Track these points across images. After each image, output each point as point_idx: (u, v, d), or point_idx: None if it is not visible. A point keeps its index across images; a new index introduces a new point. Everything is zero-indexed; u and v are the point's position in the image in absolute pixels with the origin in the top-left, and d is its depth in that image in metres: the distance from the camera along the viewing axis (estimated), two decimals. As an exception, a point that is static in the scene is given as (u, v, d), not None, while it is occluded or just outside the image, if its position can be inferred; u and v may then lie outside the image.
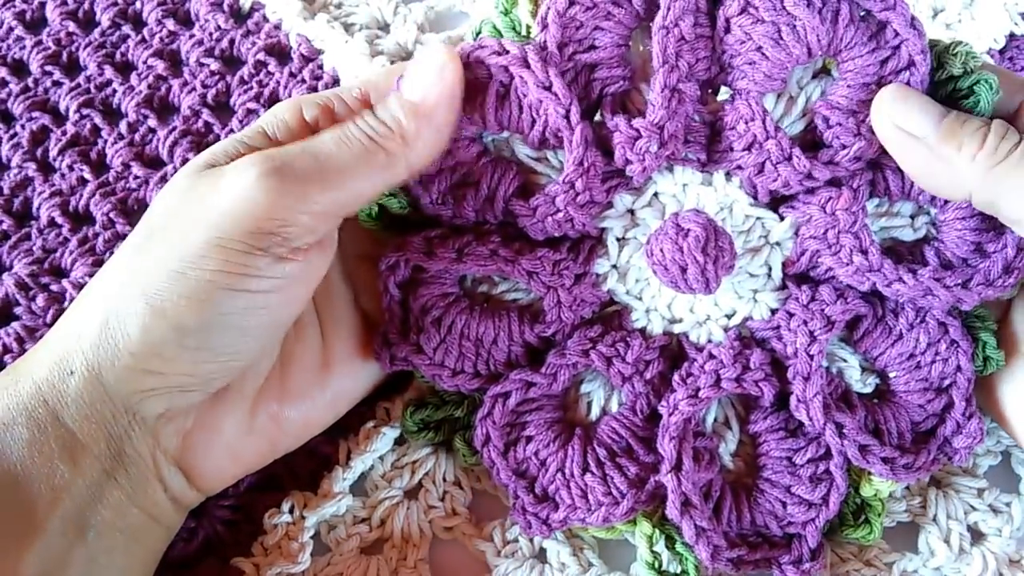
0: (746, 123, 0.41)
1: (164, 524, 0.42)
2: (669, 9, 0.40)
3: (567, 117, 0.40)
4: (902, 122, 0.40)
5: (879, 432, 0.44)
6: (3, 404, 0.38)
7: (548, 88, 0.40)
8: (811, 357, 0.43)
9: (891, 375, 0.45)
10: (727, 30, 0.41)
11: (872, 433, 0.44)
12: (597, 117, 0.43)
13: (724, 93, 0.44)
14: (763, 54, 0.40)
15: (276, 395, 0.43)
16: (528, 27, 0.42)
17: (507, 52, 0.40)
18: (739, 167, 0.42)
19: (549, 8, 0.40)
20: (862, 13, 0.40)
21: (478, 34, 0.43)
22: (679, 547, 0.44)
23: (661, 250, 0.42)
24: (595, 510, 0.43)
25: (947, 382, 0.44)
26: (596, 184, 0.42)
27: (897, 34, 0.40)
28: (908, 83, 0.41)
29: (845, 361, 0.45)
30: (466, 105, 0.41)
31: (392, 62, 0.57)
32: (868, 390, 0.45)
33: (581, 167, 0.41)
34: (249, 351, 0.40)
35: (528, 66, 0.40)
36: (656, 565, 0.44)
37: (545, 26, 0.40)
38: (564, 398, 0.47)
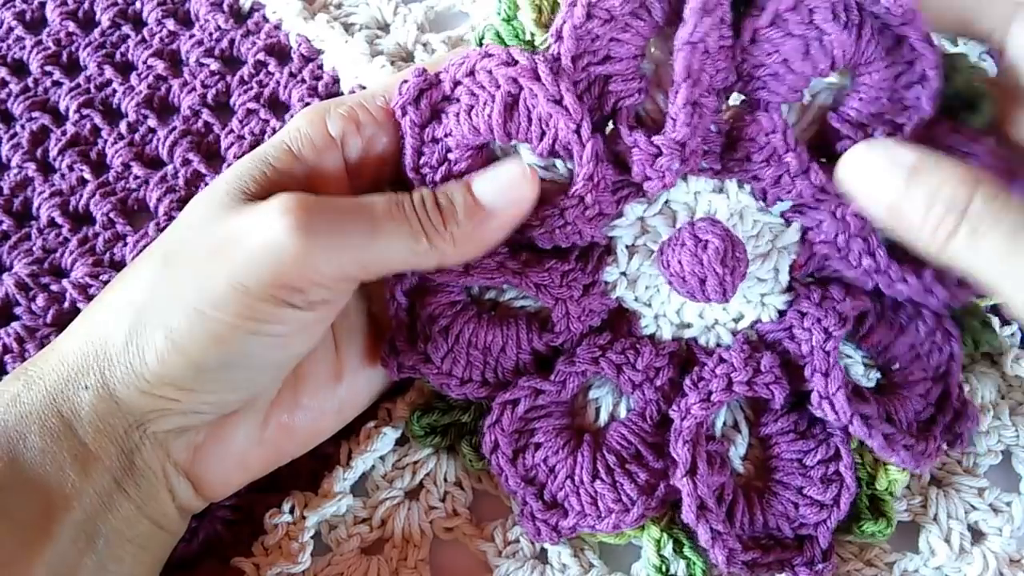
0: (767, 135, 0.41)
1: (170, 531, 0.42)
2: (697, 25, 0.38)
3: (578, 132, 0.40)
4: (860, 199, 0.39)
5: (892, 423, 0.44)
6: (16, 412, 0.38)
7: (559, 102, 0.39)
8: (827, 353, 0.43)
9: (894, 367, 0.45)
10: (753, 41, 0.40)
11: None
12: (609, 125, 0.42)
13: (733, 98, 0.43)
14: (789, 67, 0.40)
15: (287, 406, 0.43)
16: (532, 34, 0.41)
17: (516, 63, 0.39)
18: (756, 177, 0.42)
19: (565, 21, 0.39)
20: (879, 26, 0.40)
21: (481, 40, 0.43)
22: (687, 551, 0.44)
23: (680, 262, 0.41)
24: (605, 517, 0.43)
25: (942, 370, 0.45)
26: (606, 197, 0.41)
27: (913, 49, 0.40)
28: (919, 97, 0.40)
29: (850, 357, 0.45)
30: (473, 116, 0.40)
31: (392, 62, 0.57)
32: (871, 385, 0.46)
33: (591, 182, 0.40)
34: (264, 382, 0.41)
35: (539, 78, 0.39)
36: (663, 569, 0.44)
37: (560, 38, 0.39)
38: (572, 404, 0.46)
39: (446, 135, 0.41)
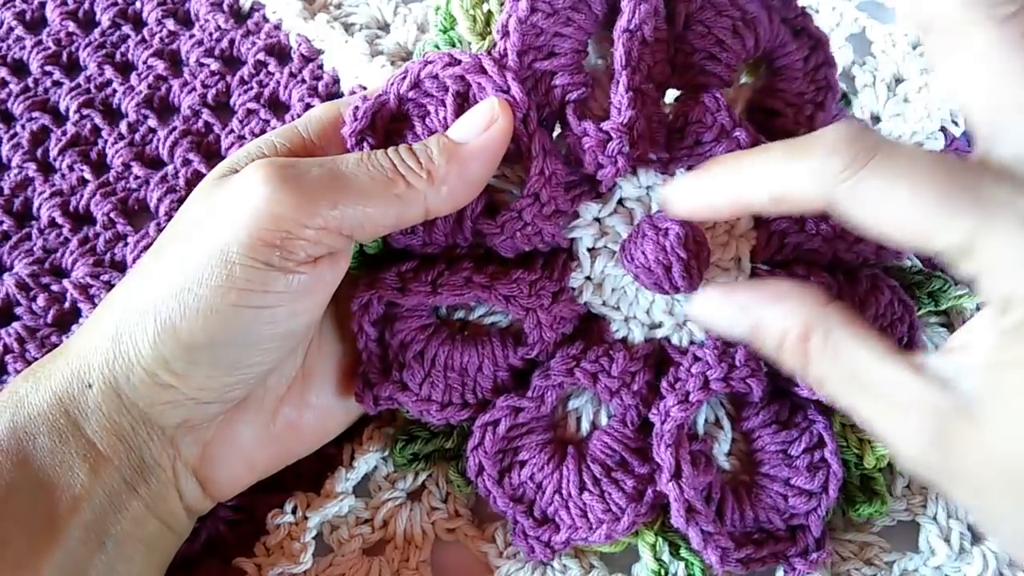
0: (713, 114, 0.41)
1: (177, 532, 0.42)
2: (635, 13, 0.40)
3: (524, 122, 0.40)
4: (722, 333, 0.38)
5: None
6: (25, 413, 0.38)
7: (506, 92, 0.40)
8: None
9: None
10: (686, 26, 0.42)
11: None
12: (558, 129, 0.43)
13: (669, 97, 0.44)
14: (722, 47, 0.42)
15: (296, 404, 0.43)
16: (469, 43, 0.42)
17: (460, 61, 0.40)
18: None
19: (510, 15, 0.40)
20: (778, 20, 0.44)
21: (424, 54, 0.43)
22: (683, 552, 0.44)
23: (643, 252, 0.41)
24: (596, 528, 0.43)
25: (905, 341, 0.45)
26: (560, 193, 0.41)
27: (811, 36, 0.44)
28: (827, 78, 0.45)
29: None
30: (429, 122, 0.41)
31: (392, 62, 0.57)
32: None
33: (543, 176, 0.40)
34: (262, 364, 0.40)
35: (484, 71, 0.40)
36: (662, 573, 0.44)
37: (506, 33, 0.40)
38: (552, 416, 0.46)
39: None
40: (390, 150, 0.39)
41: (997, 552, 0.46)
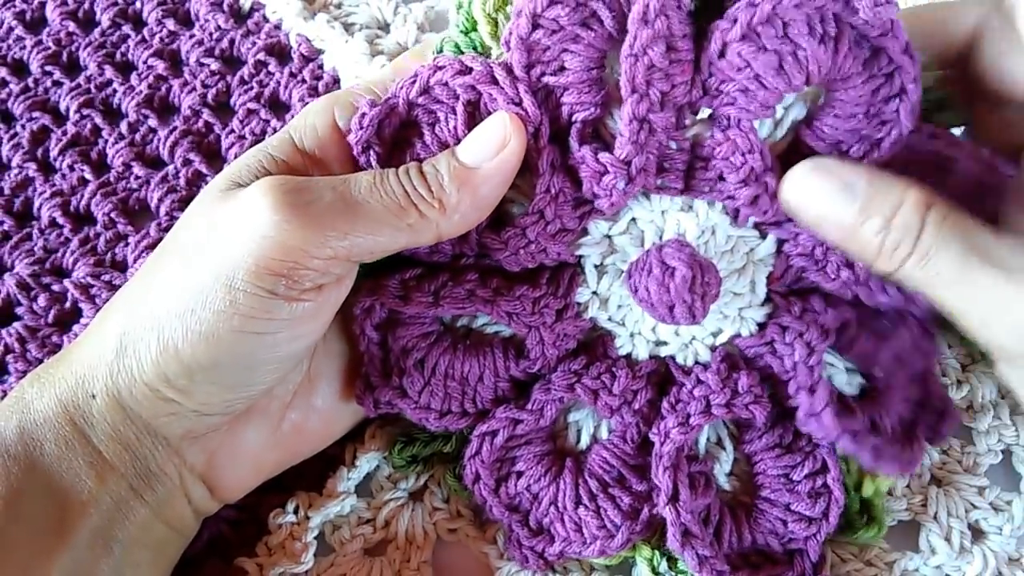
0: (743, 155, 0.39)
1: (184, 534, 0.42)
2: (636, 37, 0.36)
3: (535, 136, 0.39)
4: (809, 221, 0.39)
5: (877, 430, 0.43)
6: (32, 419, 0.38)
7: (519, 104, 0.38)
8: (811, 369, 0.41)
9: (877, 374, 0.44)
10: (722, 55, 0.37)
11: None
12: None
13: (702, 113, 0.41)
14: (761, 83, 0.37)
15: (302, 408, 0.43)
16: (489, 48, 0.41)
17: (471, 70, 0.39)
18: (731, 198, 0.40)
19: (512, 32, 0.38)
20: (856, 37, 0.38)
21: (441, 52, 0.42)
22: (681, 565, 0.43)
23: (647, 289, 0.40)
24: (590, 543, 0.43)
25: (924, 371, 0.44)
26: (566, 211, 0.40)
27: (891, 61, 0.38)
28: (898, 112, 0.39)
29: (833, 365, 0.44)
30: (439, 131, 0.40)
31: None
32: (855, 392, 0.44)
33: (548, 194, 0.39)
34: (264, 383, 0.40)
35: (496, 82, 0.38)
36: None
37: (510, 49, 0.39)
38: (553, 426, 0.45)
39: (418, 160, 0.40)
40: (401, 173, 0.38)
41: (997, 551, 0.46)
